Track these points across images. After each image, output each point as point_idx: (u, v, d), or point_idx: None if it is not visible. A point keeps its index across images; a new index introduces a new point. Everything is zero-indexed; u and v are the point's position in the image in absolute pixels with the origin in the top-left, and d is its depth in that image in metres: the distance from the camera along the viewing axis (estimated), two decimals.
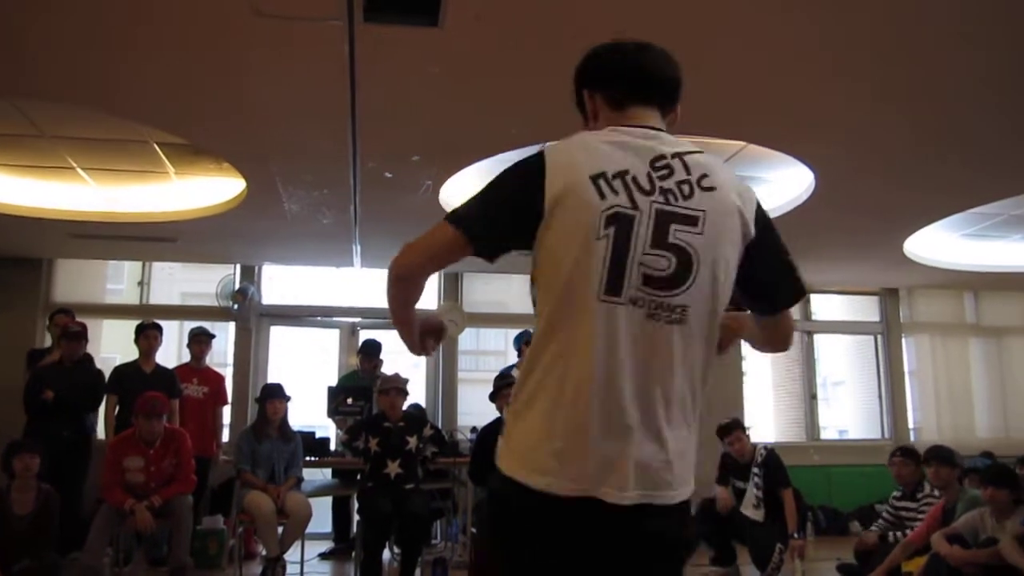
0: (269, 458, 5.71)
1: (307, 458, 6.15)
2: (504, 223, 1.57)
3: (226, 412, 7.56)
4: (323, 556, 6.77)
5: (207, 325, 7.24)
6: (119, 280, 9.16)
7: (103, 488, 5.30)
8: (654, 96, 1.68)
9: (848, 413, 10.29)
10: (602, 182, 1.50)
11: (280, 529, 5.49)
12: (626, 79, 1.68)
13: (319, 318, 8.62)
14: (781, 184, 6.13)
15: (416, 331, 1.89)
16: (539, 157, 1.56)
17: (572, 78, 1.77)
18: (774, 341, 1.78)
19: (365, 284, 8.56)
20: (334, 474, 7.01)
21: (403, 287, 1.76)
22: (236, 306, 8.03)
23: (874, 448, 8.16)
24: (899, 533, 5.32)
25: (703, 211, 1.53)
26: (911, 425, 9.32)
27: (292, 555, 5.61)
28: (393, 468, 5.46)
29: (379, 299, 8.52)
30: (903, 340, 9.49)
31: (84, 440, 6.29)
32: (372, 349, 7.25)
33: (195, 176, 6.14)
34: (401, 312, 1.83)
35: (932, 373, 9.48)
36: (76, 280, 8.29)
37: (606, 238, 1.48)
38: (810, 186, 5.76)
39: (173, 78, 4.14)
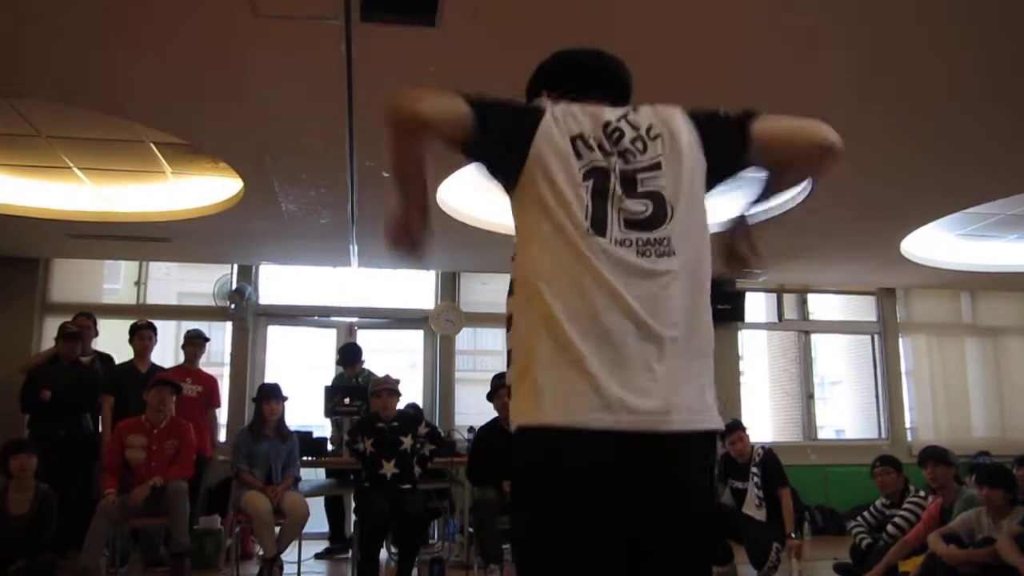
0: (266, 458, 5.70)
1: (304, 458, 6.14)
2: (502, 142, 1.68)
3: (223, 412, 7.56)
4: (319, 556, 6.76)
5: (204, 325, 7.23)
6: (116, 280, 9.15)
7: (102, 469, 5.37)
8: (608, 94, 1.79)
9: (845, 413, 10.31)
10: (579, 141, 1.64)
11: (277, 529, 5.48)
12: (585, 79, 1.81)
13: (316, 318, 8.61)
14: None
15: (411, 202, 1.91)
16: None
17: (529, 80, 1.90)
18: (801, 148, 1.83)
19: (362, 284, 8.56)
20: (328, 474, 7.01)
21: (398, 135, 1.77)
22: (233, 306, 8.03)
23: (871, 448, 8.16)
24: (883, 535, 5.35)
25: (660, 156, 1.67)
26: (908, 425, 9.34)
27: (289, 555, 5.61)
28: (389, 468, 5.46)
29: (377, 299, 8.54)
30: (900, 340, 9.51)
31: (81, 440, 6.28)
32: (350, 357, 7.25)
33: (192, 176, 6.14)
34: (398, 166, 1.84)
35: (929, 373, 9.50)
36: (73, 280, 8.29)
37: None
38: (806, 186, 5.76)
39: (171, 77, 4.14)
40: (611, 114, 1.70)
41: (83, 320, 6.73)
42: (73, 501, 5.50)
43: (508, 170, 1.67)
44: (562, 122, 1.64)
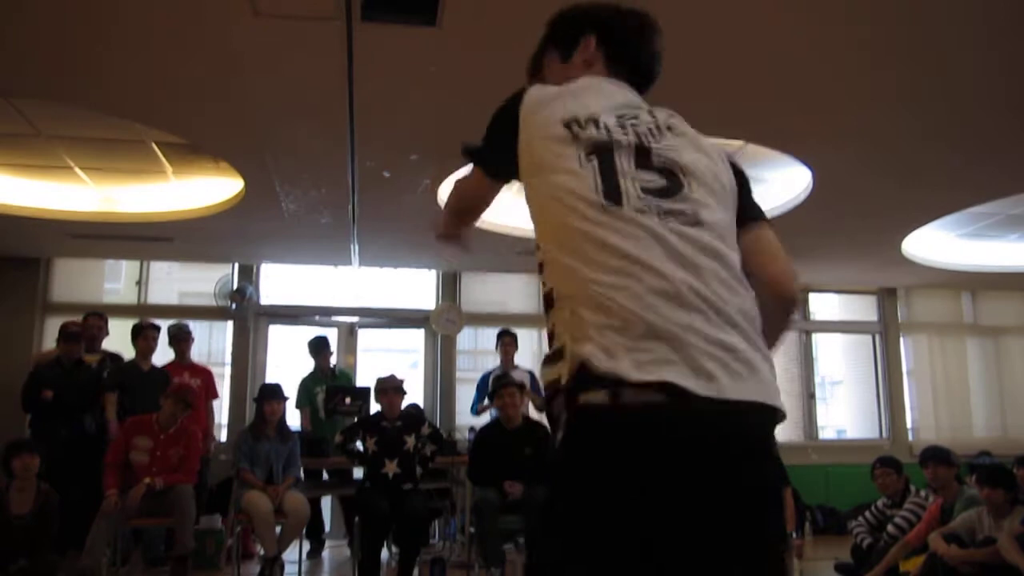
0: (267, 458, 5.70)
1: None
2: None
3: (224, 411, 7.56)
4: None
5: (205, 325, 7.26)
6: (117, 279, 9.15)
7: (104, 466, 5.37)
8: (642, 85, 1.70)
9: (846, 412, 10.30)
10: (574, 124, 1.52)
11: (278, 529, 5.49)
12: (637, 62, 1.70)
13: (317, 317, 8.61)
14: (779, 184, 6.14)
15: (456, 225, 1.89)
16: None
17: (568, 16, 1.79)
18: (768, 280, 1.59)
19: (363, 283, 8.56)
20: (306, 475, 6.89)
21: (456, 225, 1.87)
22: (234, 305, 8.03)
23: (872, 447, 8.16)
24: (884, 535, 5.35)
25: (677, 145, 1.54)
26: (909, 424, 9.33)
27: (290, 555, 5.61)
28: (391, 468, 5.46)
29: (378, 298, 8.54)
30: (901, 339, 9.50)
31: (83, 440, 6.28)
32: (318, 346, 7.32)
33: (193, 175, 6.14)
34: (457, 212, 1.85)
35: (930, 372, 9.49)
36: (74, 279, 8.29)
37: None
38: (808, 186, 5.77)
39: (171, 76, 4.13)
40: (632, 98, 1.63)
41: (95, 319, 6.72)
42: (74, 501, 5.49)
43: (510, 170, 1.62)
44: (549, 106, 1.55)
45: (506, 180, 1.67)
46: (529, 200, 1.55)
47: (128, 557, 6.00)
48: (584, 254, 1.39)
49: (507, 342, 7.17)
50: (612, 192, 1.43)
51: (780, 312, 1.58)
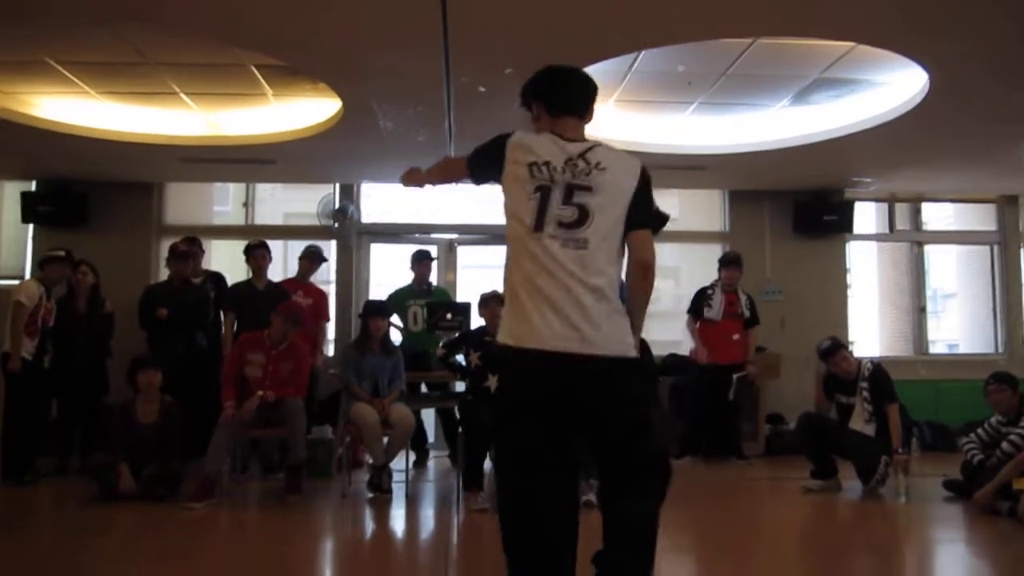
0: (372, 372, 5.88)
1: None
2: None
3: (331, 328, 7.81)
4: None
5: (311, 243, 7.42)
6: (225, 202, 9.47)
7: (222, 380, 5.66)
8: (583, 114, 2.65)
9: (959, 327, 9.94)
10: (533, 166, 2.50)
11: (385, 440, 5.69)
12: (564, 100, 2.63)
13: (417, 235, 8.73)
14: (891, 87, 5.83)
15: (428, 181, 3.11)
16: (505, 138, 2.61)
17: (526, 86, 2.70)
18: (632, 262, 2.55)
19: (461, 201, 8.61)
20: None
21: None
22: (337, 225, 8.20)
23: (986, 363, 7.84)
24: (996, 452, 5.19)
25: (596, 183, 2.46)
26: None
27: (397, 464, 5.83)
28: (493, 382, 5.54)
29: (475, 215, 8.59)
30: (1022, 251, 9.02)
31: (198, 355, 6.62)
32: (421, 256, 7.40)
33: (292, 98, 6.22)
34: (436, 177, 3.06)
35: None
36: (185, 203, 8.60)
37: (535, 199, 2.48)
38: (924, 88, 5.45)
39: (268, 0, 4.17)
40: (576, 150, 2.51)
41: (184, 247, 6.99)
42: (194, 413, 5.82)
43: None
44: (519, 150, 2.53)
45: (478, 183, 2.74)
46: (504, 203, 2.55)
47: (247, 465, 6.36)
48: (516, 258, 2.48)
49: None
50: (538, 223, 2.44)
51: (640, 278, 2.54)
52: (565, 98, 2.63)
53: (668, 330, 8.89)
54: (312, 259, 7.09)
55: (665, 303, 7.52)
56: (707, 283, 7.47)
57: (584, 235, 2.41)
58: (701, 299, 7.36)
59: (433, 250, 8.12)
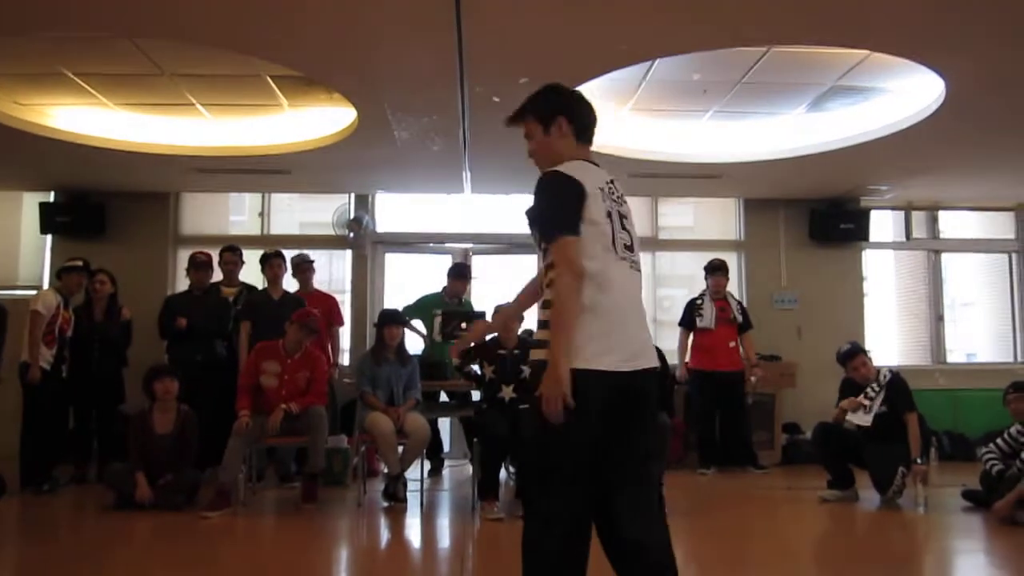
0: (388, 381, 5.89)
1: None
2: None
3: (345, 335, 7.82)
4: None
5: (325, 253, 7.45)
6: (241, 212, 9.50)
7: (237, 389, 5.66)
8: (592, 136, 2.68)
9: (977, 335, 9.85)
10: (598, 192, 2.50)
11: (400, 449, 5.69)
12: (588, 126, 2.66)
13: (432, 245, 8.74)
14: (906, 94, 5.80)
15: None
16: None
17: (544, 98, 2.65)
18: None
19: (476, 210, 8.62)
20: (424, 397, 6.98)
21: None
22: (352, 234, 8.24)
23: (1005, 372, 7.78)
24: (1016, 462, 5.14)
25: (627, 211, 2.60)
26: None
27: (412, 473, 5.83)
28: (507, 392, 5.55)
29: (490, 225, 8.59)
30: None
31: (216, 364, 6.64)
32: (460, 271, 7.32)
33: (307, 107, 6.26)
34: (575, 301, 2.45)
35: None
36: (201, 212, 8.66)
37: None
38: (940, 95, 5.42)
39: (285, 7, 4.19)
40: (604, 176, 2.57)
41: (229, 255, 7.02)
42: (211, 422, 5.84)
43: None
44: (587, 182, 2.46)
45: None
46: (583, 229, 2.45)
47: (263, 474, 6.38)
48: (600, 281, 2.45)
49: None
50: (614, 246, 2.48)
51: None
52: (592, 125, 2.67)
53: None
54: (302, 269, 7.07)
55: (679, 312, 7.48)
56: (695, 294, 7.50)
57: (637, 258, 2.58)
58: (692, 310, 7.35)
59: (447, 260, 8.12)
